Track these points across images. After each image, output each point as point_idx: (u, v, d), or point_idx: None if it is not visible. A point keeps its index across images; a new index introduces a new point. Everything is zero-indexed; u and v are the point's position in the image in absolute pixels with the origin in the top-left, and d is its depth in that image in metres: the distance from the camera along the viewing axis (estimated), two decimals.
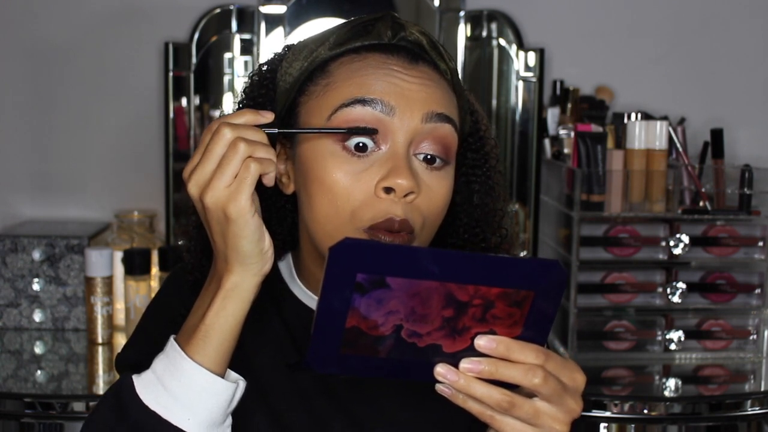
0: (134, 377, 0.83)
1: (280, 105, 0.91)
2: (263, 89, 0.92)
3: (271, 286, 0.95)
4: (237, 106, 0.94)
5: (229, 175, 0.78)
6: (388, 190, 0.83)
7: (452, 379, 0.73)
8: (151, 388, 0.81)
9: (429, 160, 0.86)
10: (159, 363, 0.83)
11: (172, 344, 0.83)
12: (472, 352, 0.74)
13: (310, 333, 0.72)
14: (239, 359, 0.88)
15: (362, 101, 0.84)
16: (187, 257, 0.96)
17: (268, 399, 0.91)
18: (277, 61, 0.93)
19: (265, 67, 0.94)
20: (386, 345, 0.73)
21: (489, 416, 0.74)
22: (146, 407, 0.81)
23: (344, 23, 0.90)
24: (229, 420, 0.85)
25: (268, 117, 0.82)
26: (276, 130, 0.83)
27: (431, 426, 0.93)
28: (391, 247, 0.71)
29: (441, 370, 0.74)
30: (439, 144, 0.86)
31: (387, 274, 0.70)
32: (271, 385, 0.92)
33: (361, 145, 0.84)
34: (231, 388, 0.83)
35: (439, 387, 0.75)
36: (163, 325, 0.95)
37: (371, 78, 0.85)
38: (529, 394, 0.75)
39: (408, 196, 0.84)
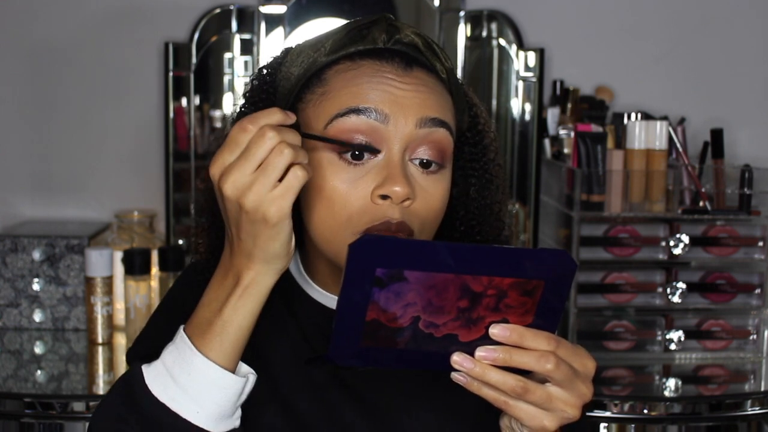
0: (143, 367, 0.84)
1: None
2: (263, 93, 0.93)
3: (280, 281, 0.96)
4: (239, 110, 0.94)
5: (274, 179, 0.77)
6: (385, 197, 0.84)
7: (468, 366, 0.76)
8: (161, 380, 0.83)
9: (425, 165, 0.88)
10: (168, 355, 0.84)
11: (182, 336, 0.84)
12: (487, 340, 0.76)
13: (332, 327, 0.75)
14: (250, 353, 0.89)
15: (356, 110, 0.85)
16: (194, 257, 0.97)
17: (281, 393, 0.92)
18: (276, 64, 0.94)
19: (264, 71, 0.94)
20: (405, 336, 0.76)
21: (503, 402, 0.77)
22: (156, 399, 0.82)
23: (341, 27, 0.91)
24: (239, 412, 0.86)
25: (293, 118, 0.82)
26: (303, 134, 0.82)
27: (442, 413, 0.94)
28: (408, 242, 0.74)
29: (457, 358, 0.76)
30: (434, 149, 0.87)
31: (405, 267, 0.72)
32: (283, 379, 0.93)
33: (357, 153, 0.85)
34: (240, 382, 0.84)
35: (454, 375, 0.77)
36: (174, 319, 0.95)
37: (365, 87, 0.86)
38: (542, 380, 0.78)
39: (404, 202, 0.85)
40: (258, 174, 0.78)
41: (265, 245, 0.80)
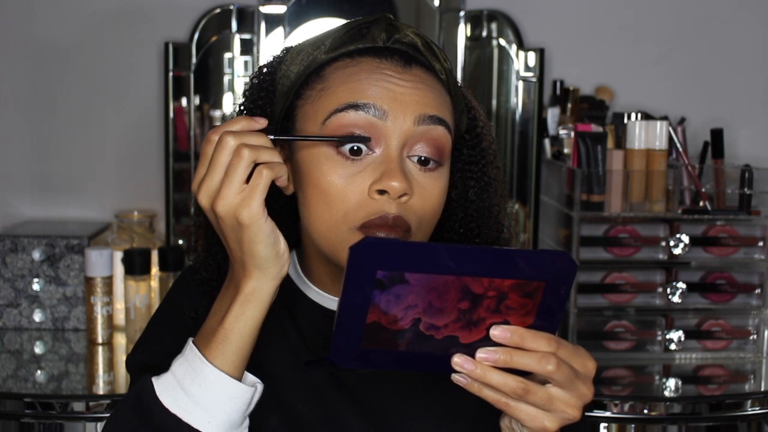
0: (154, 379, 0.84)
1: (278, 107, 0.92)
2: (263, 92, 0.93)
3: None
4: (238, 108, 0.95)
5: (238, 181, 0.79)
6: (382, 192, 0.85)
7: (469, 368, 0.76)
8: (171, 391, 0.83)
9: (423, 162, 0.88)
10: (178, 366, 0.84)
11: (191, 348, 0.84)
12: (488, 342, 0.76)
13: (332, 329, 0.75)
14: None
15: (355, 106, 0.85)
16: (192, 256, 0.98)
17: (279, 393, 0.92)
18: (276, 63, 0.94)
19: (264, 70, 0.95)
20: (405, 338, 0.75)
21: (504, 403, 0.77)
22: (167, 410, 0.82)
23: (341, 26, 0.91)
24: (247, 421, 0.87)
25: (261, 123, 0.84)
26: (272, 137, 0.84)
27: (439, 413, 0.94)
28: (409, 245, 0.74)
29: (458, 360, 0.76)
30: (432, 146, 0.88)
31: (406, 270, 0.72)
32: (280, 379, 0.93)
33: (355, 148, 0.86)
34: (249, 391, 0.84)
35: (455, 377, 0.77)
36: (172, 325, 0.97)
37: (364, 83, 0.86)
38: (543, 381, 0.77)
39: (401, 197, 0.85)
40: (224, 179, 0.80)
41: (249, 249, 0.81)
